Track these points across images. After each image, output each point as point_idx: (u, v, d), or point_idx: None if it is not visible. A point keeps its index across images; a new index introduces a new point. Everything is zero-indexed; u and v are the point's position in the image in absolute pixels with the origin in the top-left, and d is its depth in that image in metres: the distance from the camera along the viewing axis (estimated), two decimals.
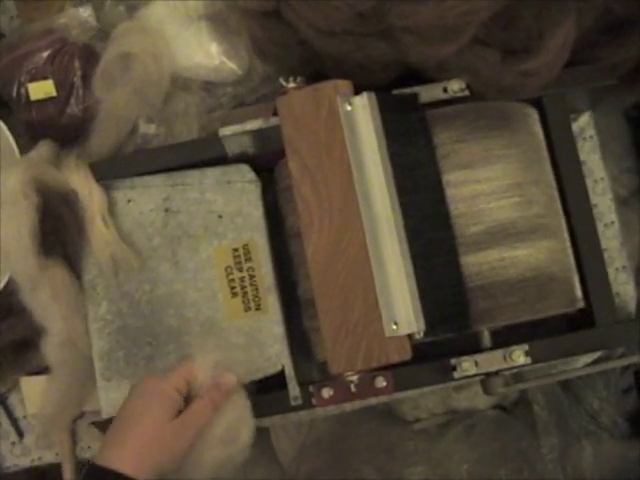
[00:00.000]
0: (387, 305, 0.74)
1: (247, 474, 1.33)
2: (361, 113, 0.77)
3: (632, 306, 0.95)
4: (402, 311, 0.74)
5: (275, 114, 0.81)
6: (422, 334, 0.74)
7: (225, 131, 0.84)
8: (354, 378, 0.76)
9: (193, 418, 0.72)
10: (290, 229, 0.85)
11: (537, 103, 0.88)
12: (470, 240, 0.80)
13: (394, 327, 0.74)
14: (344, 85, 0.78)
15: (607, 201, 0.96)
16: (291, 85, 0.79)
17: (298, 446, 1.32)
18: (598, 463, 1.05)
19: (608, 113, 1.04)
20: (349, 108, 0.77)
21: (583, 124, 0.97)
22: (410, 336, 0.75)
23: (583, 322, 0.87)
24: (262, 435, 1.22)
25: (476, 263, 0.79)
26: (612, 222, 0.96)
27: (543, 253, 0.81)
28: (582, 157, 0.90)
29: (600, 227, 0.90)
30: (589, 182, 0.91)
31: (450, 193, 0.80)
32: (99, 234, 0.82)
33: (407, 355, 0.74)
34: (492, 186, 0.81)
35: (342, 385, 0.79)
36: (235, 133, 0.84)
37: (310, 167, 0.77)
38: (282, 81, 0.80)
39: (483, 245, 0.80)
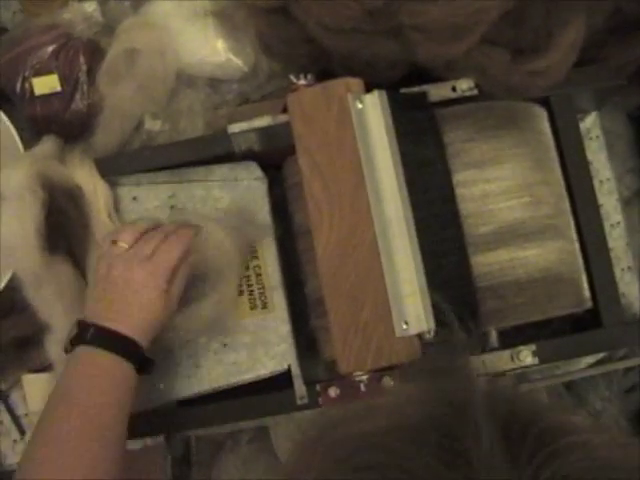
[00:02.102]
0: (397, 304, 0.74)
1: (246, 471, 1.33)
2: (372, 111, 0.77)
3: (637, 307, 0.95)
4: (412, 310, 0.74)
5: (284, 111, 0.81)
6: (432, 333, 0.74)
7: (234, 128, 0.83)
8: (364, 378, 0.75)
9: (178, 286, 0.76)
10: (298, 227, 0.85)
11: (545, 103, 0.88)
12: (480, 240, 0.79)
13: (405, 326, 0.73)
14: (355, 83, 0.78)
15: (613, 201, 0.96)
16: (301, 82, 0.79)
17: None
18: None
19: (611, 113, 1.04)
20: (360, 106, 0.77)
21: (589, 124, 0.96)
22: (419, 336, 0.75)
23: (589, 323, 0.87)
24: (261, 433, 1.22)
25: (486, 263, 0.79)
26: (618, 222, 0.96)
27: (552, 254, 0.81)
28: (589, 157, 0.90)
29: (606, 227, 0.90)
30: (595, 182, 0.91)
31: (460, 193, 0.80)
32: (104, 230, 0.82)
33: (417, 355, 0.74)
34: (502, 186, 0.80)
35: (349, 384, 0.78)
36: (243, 130, 0.84)
37: (320, 165, 0.76)
38: (292, 78, 0.79)
39: (493, 245, 0.79)
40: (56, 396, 0.71)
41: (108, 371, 0.72)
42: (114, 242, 0.76)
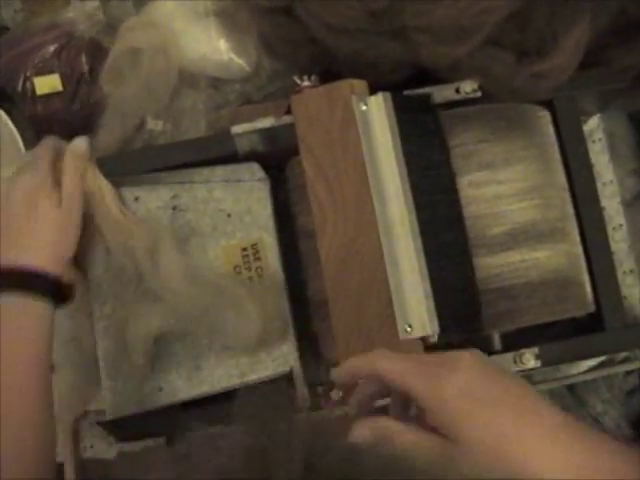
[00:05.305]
0: (401, 307, 0.73)
1: None
2: (376, 113, 0.77)
3: (639, 310, 0.94)
4: (416, 313, 0.73)
5: (288, 112, 0.81)
6: (436, 337, 0.74)
7: (237, 129, 0.83)
8: None
9: (70, 193, 0.75)
10: (301, 228, 0.84)
11: (548, 105, 0.88)
12: (492, 241, 0.79)
13: (408, 329, 0.73)
14: (359, 85, 0.78)
15: (615, 204, 0.96)
16: (305, 84, 0.79)
17: None
18: None
19: (613, 115, 1.03)
20: (364, 108, 0.77)
21: (592, 127, 0.96)
22: (423, 339, 0.74)
23: (591, 326, 0.87)
24: None
25: (497, 264, 0.79)
26: (620, 225, 0.95)
27: (561, 256, 0.81)
28: (591, 160, 0.90)
29: (608, 230, 0.90)
30: (598, 185, 0.91)
31: (472, 194, 0.79)
32: (117, 227, 0.81)
33: None
34: (513, 187, 0.80)
35: (351, 387, 0.78)
36: (246, 131, 0.83)
37: (324, 167, 0.76)
38: (296, 79, 0.79)
39: (505, 246, 0.79)
40: None
41: (18, 313, 0.69)
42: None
